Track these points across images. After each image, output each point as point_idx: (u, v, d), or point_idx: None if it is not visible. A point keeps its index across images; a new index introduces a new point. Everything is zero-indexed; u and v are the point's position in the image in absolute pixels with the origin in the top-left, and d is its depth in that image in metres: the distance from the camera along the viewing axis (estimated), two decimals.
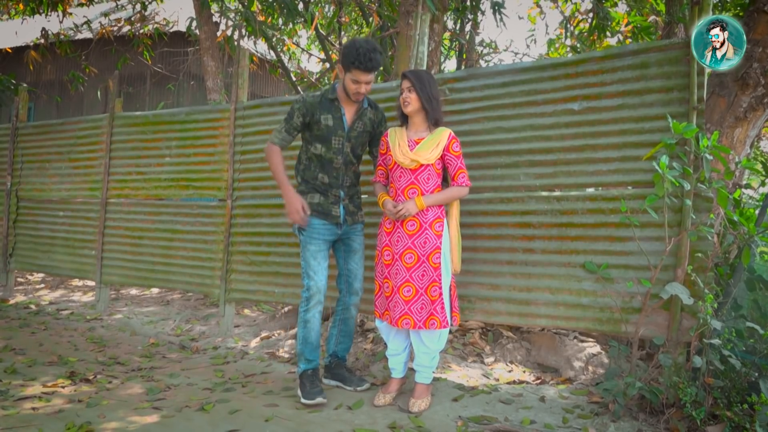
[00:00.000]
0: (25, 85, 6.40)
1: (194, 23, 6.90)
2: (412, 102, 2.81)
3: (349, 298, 3.13)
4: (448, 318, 2.76)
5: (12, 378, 3.16)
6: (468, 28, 7.05)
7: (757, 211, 3.07)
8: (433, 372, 2.91)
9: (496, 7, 4.79)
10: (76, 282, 6.94)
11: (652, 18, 6.45)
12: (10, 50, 11.10)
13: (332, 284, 3.29)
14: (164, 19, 9.54)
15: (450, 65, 10.15)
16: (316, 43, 9.85)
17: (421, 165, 2.79)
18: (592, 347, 3.49)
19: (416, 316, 2.75)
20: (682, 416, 2.48)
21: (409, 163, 2.79)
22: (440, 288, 2.74)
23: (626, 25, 6.54)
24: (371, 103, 3.11)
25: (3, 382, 3.08)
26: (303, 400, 2.82)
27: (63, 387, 3.06)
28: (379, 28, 6.91)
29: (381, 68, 7.12)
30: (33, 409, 2.70)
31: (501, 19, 5.69)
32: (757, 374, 2.49)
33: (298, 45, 9.97)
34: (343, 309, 3.15)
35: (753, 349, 2.56)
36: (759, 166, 5.17)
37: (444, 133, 2.82)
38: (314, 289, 2.92)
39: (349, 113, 3.01)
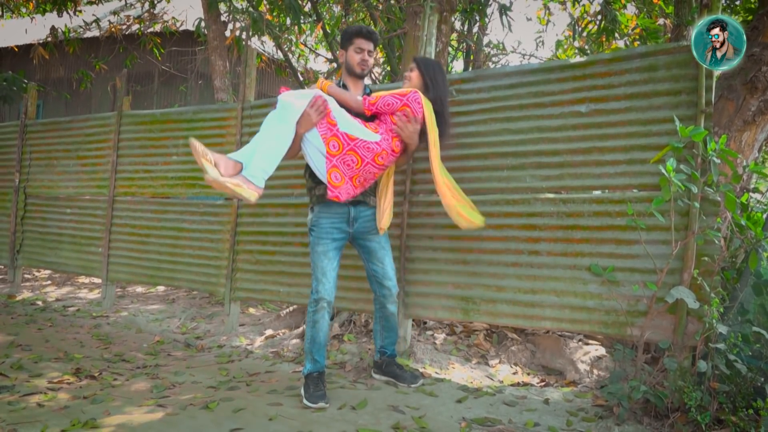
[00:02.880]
0: (34, 83, 6.42)
1: (202, 23, 6.92)
2: (412, 79, 2.92)
3: (383, 298, 3.10)
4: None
5: (18, 374, 3.18)
6: (476, 29, 7.04)
7: (764, 215, 3.06)
8: (262, 174, 2.61)
9: (503, 10, 4.79)
10: (83, 279, 6.98)
11: (660, 21, 6.42)
12: (16, 48, 11.16)
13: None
14: (172, 18, 9.56)
15: (457, 66, 10.15)
16: (323, 42, 9.85)
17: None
18: (597, 350, 3.48)
19: None
20: (686, 420, 2.47)
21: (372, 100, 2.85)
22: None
23: (634, 28, 6.52)
24: (371, 90, 3.17)
25: (9, 377, 3.10)
26: (306, 402, 2.83)
27: (68, 383, 3.08)
28: (386, 29, 6.91)
29: (385, 62, 7.14)
30: (38, 404, 2.72)
31: (507, 23, 5.67)
32: (762, 379, 2.48)
33: (305, 44, 9.97)
34: (380, 307, 3.14)
35: (759, 353, 2.55)
36: (767, 170, 5.14)
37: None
38: (321, 292, 2.89)
39: (356, 90, 3.06)
